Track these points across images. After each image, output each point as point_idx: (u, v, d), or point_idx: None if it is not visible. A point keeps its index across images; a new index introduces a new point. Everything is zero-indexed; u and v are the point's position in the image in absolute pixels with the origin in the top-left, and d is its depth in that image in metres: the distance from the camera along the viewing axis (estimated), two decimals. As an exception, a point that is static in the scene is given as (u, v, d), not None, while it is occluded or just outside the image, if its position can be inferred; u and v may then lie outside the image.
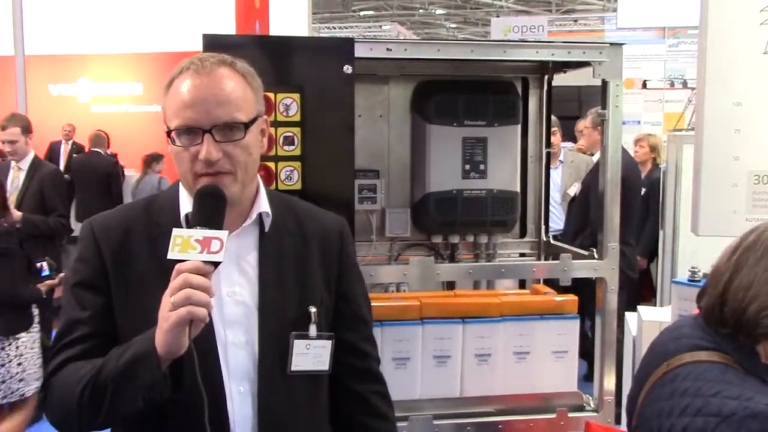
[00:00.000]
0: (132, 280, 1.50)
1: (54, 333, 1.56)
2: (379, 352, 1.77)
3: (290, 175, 2.33)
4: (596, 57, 2.47)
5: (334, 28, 21.80)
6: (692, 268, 2.56)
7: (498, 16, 19.03)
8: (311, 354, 1.53)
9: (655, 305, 5.21)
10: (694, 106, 4.02)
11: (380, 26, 21.83)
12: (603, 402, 2.56)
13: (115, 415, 1.43)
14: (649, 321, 3.10)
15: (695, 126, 2.90)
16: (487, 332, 2.48)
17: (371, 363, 1.71)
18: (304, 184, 2.34)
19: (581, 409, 2.56)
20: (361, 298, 1.70)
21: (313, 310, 1.54)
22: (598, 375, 2.57)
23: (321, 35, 17.41)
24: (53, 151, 9.20)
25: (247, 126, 1.47)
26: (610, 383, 2.56)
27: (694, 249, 4.44)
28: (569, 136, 6.51)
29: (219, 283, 1.47)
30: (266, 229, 1.56)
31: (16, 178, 5.23)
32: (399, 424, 2.12)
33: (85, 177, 8.34)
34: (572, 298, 2.57)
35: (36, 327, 4.14)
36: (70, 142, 9.29)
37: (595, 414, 2.55)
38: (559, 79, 2.93)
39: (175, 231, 1.36)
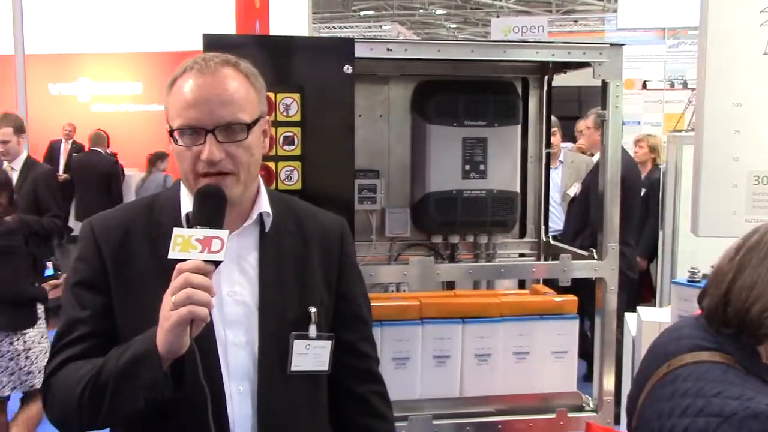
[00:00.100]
0: (132, 279, 1.50)
1: (53, 333, 1.56)
2: (378, 352, 1.77)
3: (290, 175, 2.33)
4: (596, 57, 2.47)
5: (335, 28, 21.79)
6: (692, 268, 2.56)
7: (498, 17, 19.02)
8: (311, 354, 1.53)
9: (654, 306, 5.21)
10: (694, 107, 4.03)
11: (380, 26, 21.83)
12: (602, 402, 2.56)
13: (116, 415, 1.43)
14: (648, 321, 3.10)
15: (695, 127, 2.90)
16: (486, 332, 2.48)
17: (371, 363, 1.71)
18: (304, 184, 2.33)
19: (581, 409, 2.56)
20: (361, 298, 1.70)
21: (313, 310, 1.54)
22: (597, 375, 2.58)
23: (321, 35, 17.40)
24: (53, 151, 9.21)
25: (250, 127, 1.46)
26: (609, 383, 2.56)
27: (694, 249, 4.44)
28: (569, 136, 6.51)
29: (219, 283, 1.47)
30: (267, 229, 1.56)
31: None
32: (399, 424, 2.12)
33: (84, 176, 8.35)
34: (572, 298, 2.57)
35: (42, 324, 4.16)
36: (70, 142, 9.29)
37: (595, 414, 2.55)
38: (559, 80, 2.93)
39: (176, 230, 1.36)
